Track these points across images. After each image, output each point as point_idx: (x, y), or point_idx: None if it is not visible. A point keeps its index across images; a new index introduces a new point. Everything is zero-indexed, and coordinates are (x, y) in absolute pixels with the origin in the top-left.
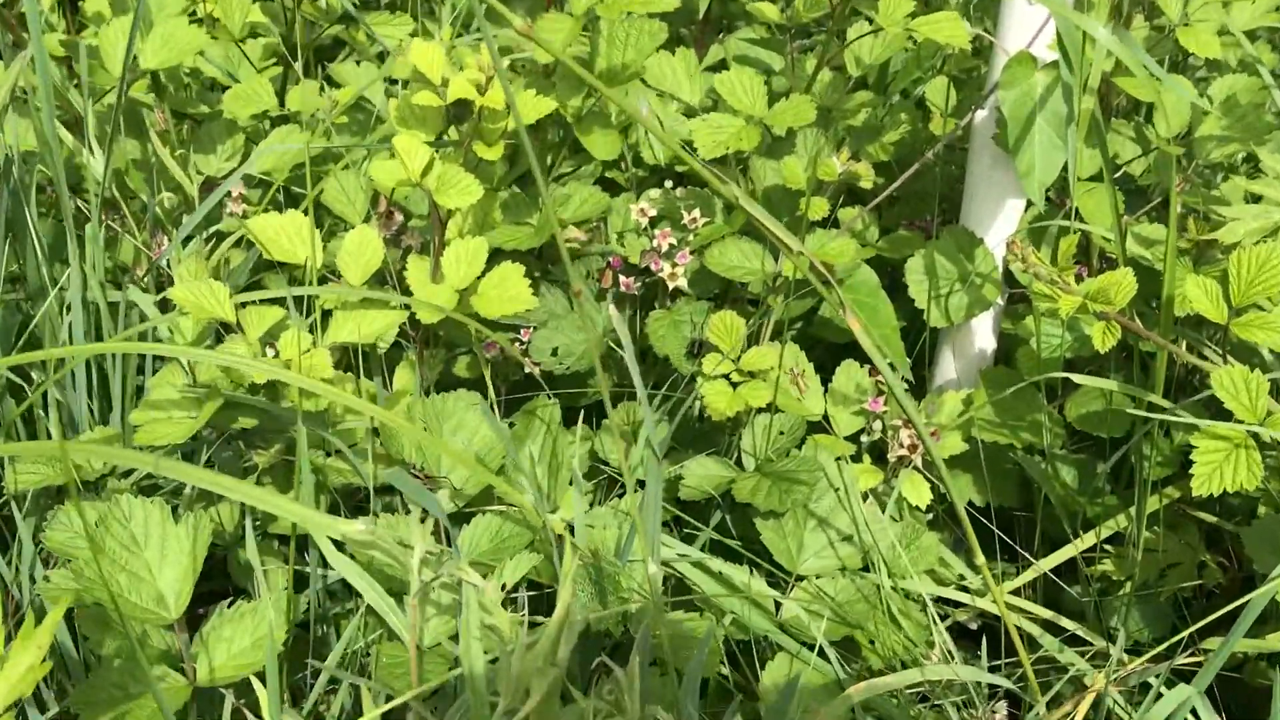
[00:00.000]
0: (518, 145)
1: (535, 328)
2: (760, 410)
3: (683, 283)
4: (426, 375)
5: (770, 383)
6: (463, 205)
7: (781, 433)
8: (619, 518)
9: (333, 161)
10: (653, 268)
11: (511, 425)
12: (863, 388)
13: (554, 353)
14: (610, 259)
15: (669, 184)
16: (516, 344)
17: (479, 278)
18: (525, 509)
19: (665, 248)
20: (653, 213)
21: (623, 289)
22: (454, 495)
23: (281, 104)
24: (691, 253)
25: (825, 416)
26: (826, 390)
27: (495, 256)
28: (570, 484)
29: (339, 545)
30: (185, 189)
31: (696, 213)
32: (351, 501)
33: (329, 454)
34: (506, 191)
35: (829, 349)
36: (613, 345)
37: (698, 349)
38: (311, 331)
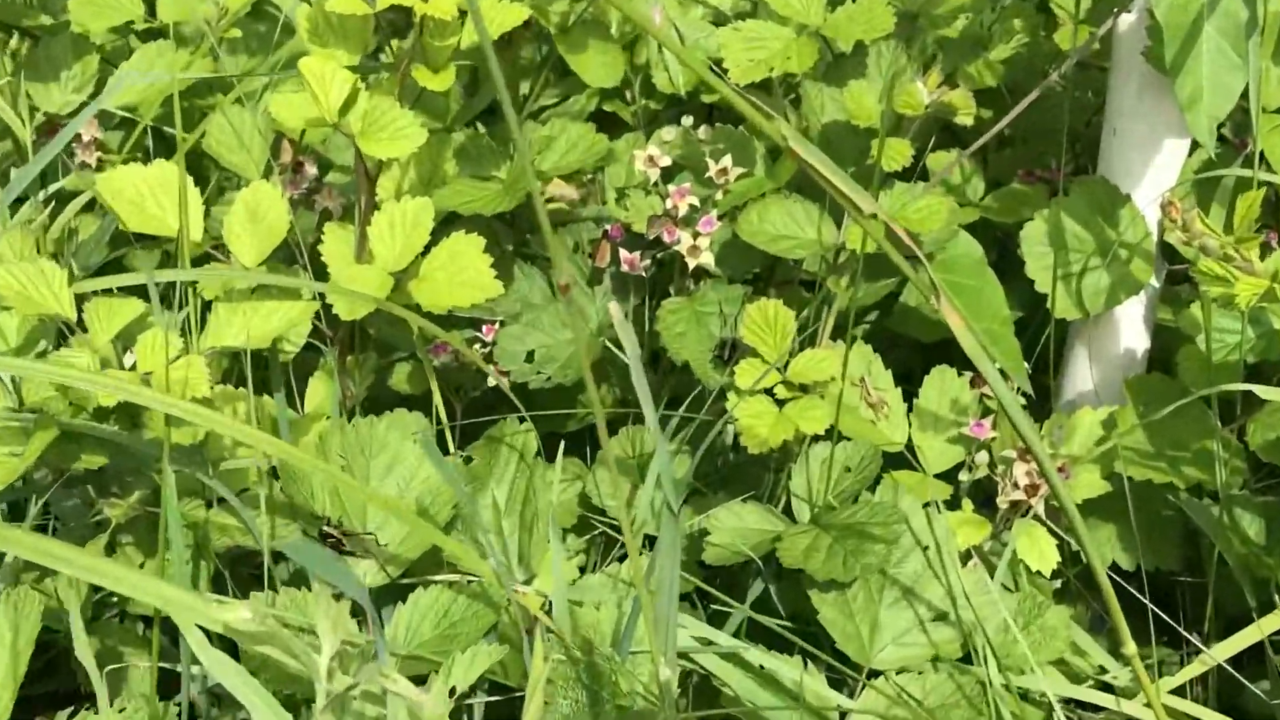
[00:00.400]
0: (479, 69)
1: (503, 323)
2: (817, 438)
3: (709, 259)
4: (351, 390)
5: (831, 399)
6: (398, 154)
7: (848, 469)
8: (619, 591)
9: (221, 93)
10: (666, 238)
11: (469, 460)
12: (961, 405)
13: (529, 357)
14: (608, 227)
15: (688, 121)
16: (477, 345)
17: (422, 254)
18: (486, 579)
19: (684, 211)
20: (666, 161)
21: (625, 268)
22: (386, 562)
23: (151, 13)
24: (720, 218)
25: (909, 446)
26: (911, 409)
27: (447, 224)
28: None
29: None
30: (15, 132)
31: (727, 161)
32: (243, 569)
33: (209, 504)
34: (463, 133)
35: (914, 351)
36: (611, 347)
37: (729, 352)
38: (185, 332)
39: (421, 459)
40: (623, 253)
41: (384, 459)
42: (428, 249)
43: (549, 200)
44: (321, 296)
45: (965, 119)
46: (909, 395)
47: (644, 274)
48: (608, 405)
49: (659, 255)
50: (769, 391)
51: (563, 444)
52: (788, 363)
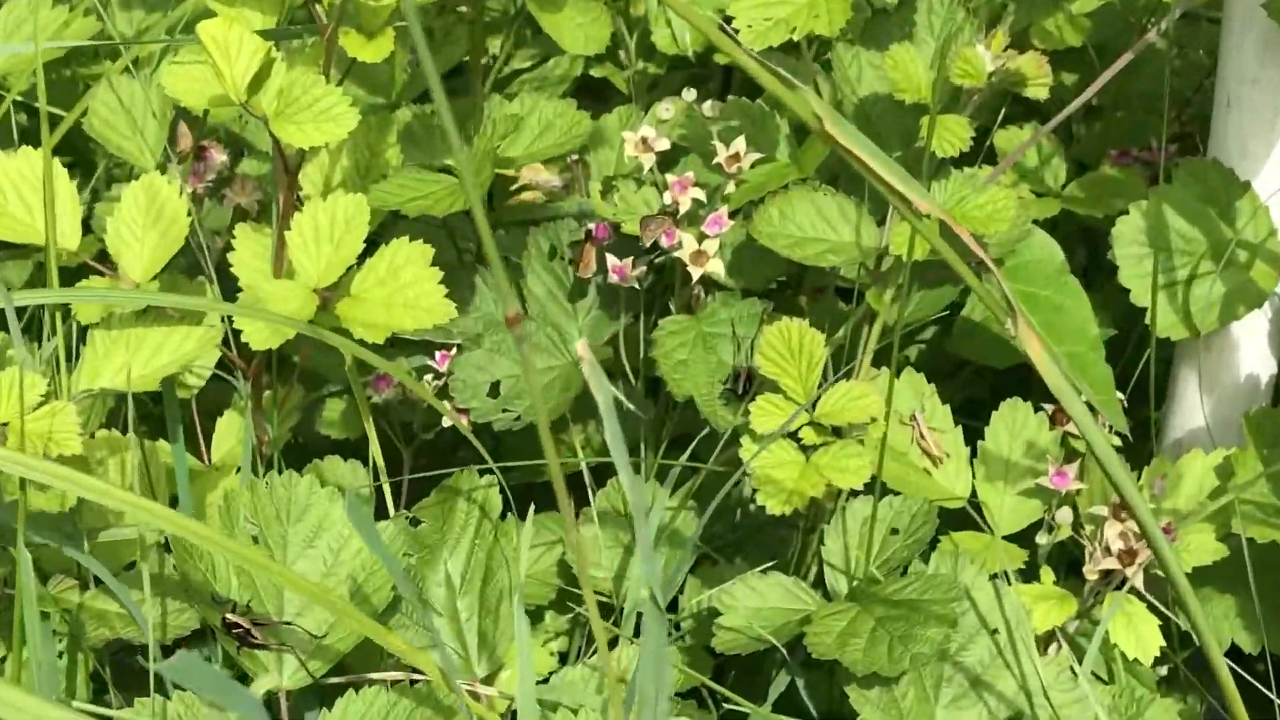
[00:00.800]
0: (432, 30)
1: (460, 348)
2: (856, 493)
3: (718, 267)
4: (269, 433)
5: (873, 444)
6: (324, 141)
7: (894, 531)
8: (607, 690)
9: (110, 59)
10: (664, 242)
11: (417, 522)
12: (1039, 448)
13: (493, 391)
14: (593, 226)
15: (691, 94)
16: (429, 377)
17: (356, 265)
18: (433, 677)
19: (687, 206)
20: (663, 144)
21: (614, 278)
22: (309, 656)
23: None
24: (733, 215)
25: (973, 500)
26: (975, 455)
27: (389, 227)
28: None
29: None
30: None
31: (741, 144)
32: (131, 662)
33: (85, 586)
34: (409, 111)
35: (978, 379)
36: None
37: (744, 383)
38: (54, 370)
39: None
40: (610, 259)
41: (307, 524)
42: (363, 259)
43: (522, 189)
44: (231, 319)
45: (1039, 90)
46: (972, 436)
47: (637, 285)
48: (596, 448)
49: (657, 261)
50: (794, 435)
51: (536, 499)
52: (817, 399)
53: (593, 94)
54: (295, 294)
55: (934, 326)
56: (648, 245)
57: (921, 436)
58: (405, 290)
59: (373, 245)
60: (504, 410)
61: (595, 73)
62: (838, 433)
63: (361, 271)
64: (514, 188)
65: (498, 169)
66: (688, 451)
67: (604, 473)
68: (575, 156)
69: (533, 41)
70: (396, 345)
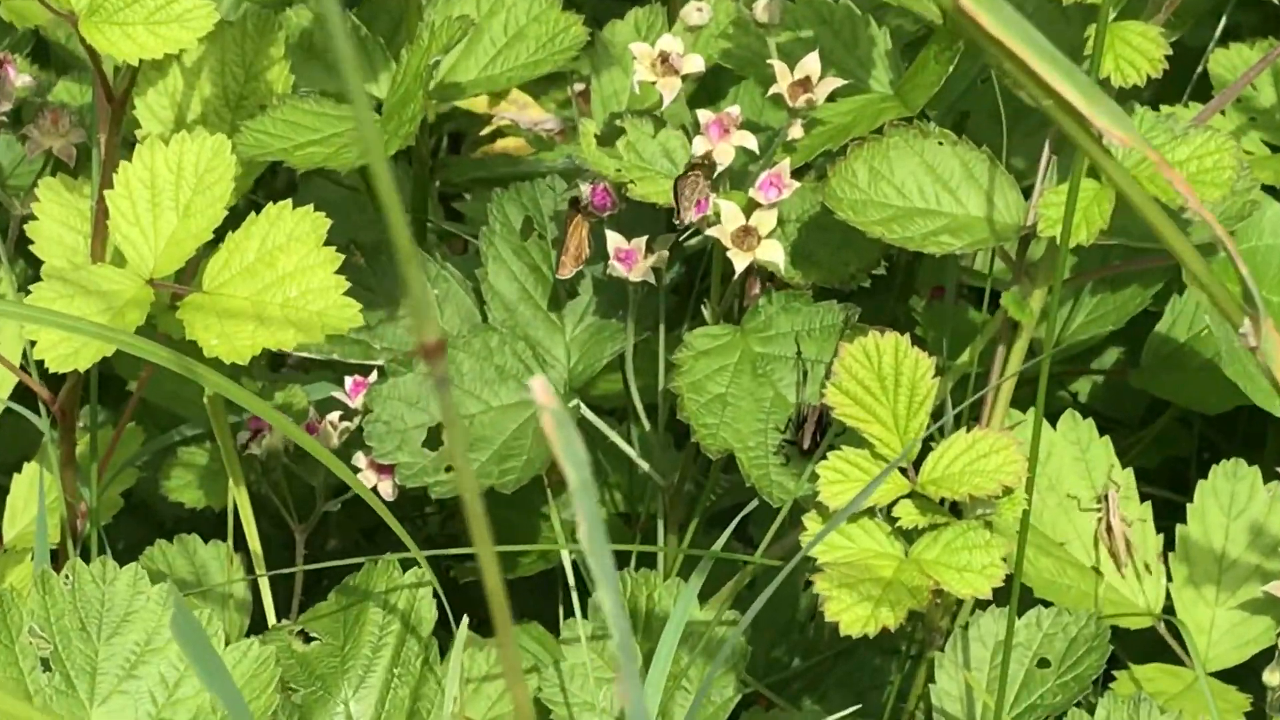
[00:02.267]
0: None
1: (383, 373)
2: (983, 603)
3: (775, 253)
4: (87, 500)
5: (1009, 526)
6: (161, 53)
7: (1044, 662)
8: None
9: None
10: (693, 214)
11: (309, 639)
12: (1271, 537)
13: (432, 440)
14: (587, 188)
15: None
16: (334, 417)
17: (213, 244)
18: None
19: (728, 158)
20: (694, 64)
21: (618, 269)
22: None
23: None
24: (799, 173)
25: (1168, 616)
26: (1173, 546)
27: (268, 182)
28: None
29: None
30: None
31: (813, 65)
32: None
33: None
34: (309, 9)
35: (1180, 430)
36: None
37: (812, 433)
38: None
39: (203, 640)
40: (613, 240)
41: (128, 641)
42: (221, 234)
43: (497, 134)
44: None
45: None
46: (1168, 513)
47: (654, 280)
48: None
49: (684, 242)
50: (885, 511)
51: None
52: (923, 457)
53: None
54: (121, 287)
55: (1114, 348)
56: (682, 222)
57: (1109, 529)
58: (286, 284)
59: (237, 213)
60: (447, 468)
61: None
62: (955, 510)
63: (219, 254)
64: (486, 130)
65: (443, 99)
66: (726, 533)
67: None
68: (580, 84)
69: None
70: (286, 366)
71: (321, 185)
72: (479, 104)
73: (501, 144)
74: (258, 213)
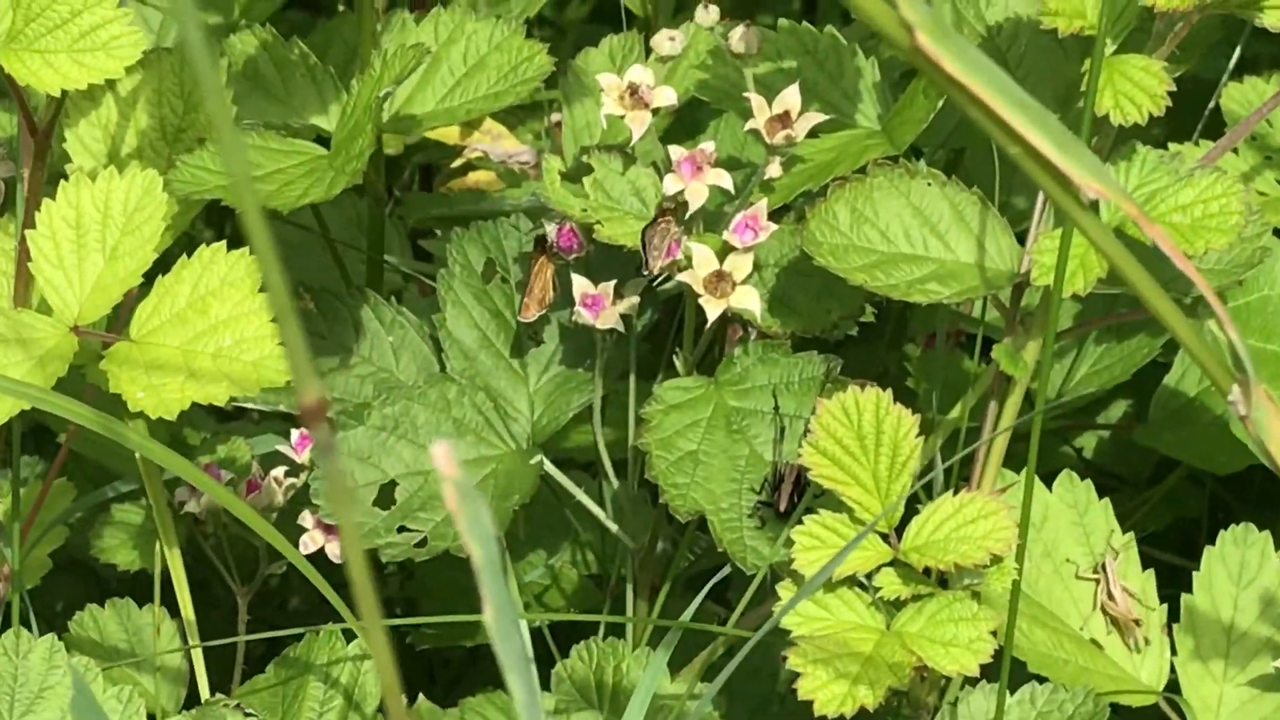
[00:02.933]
0: None
1: (336, 421)
2: (973, 679)
3: (751, 300)
4: (8, 563)
5: (999, 597)
6: (86, 83)
7: None
8: None
9: None
10: (661, 259)
11: (249, 715)
12: None
13: (384, 498)
14: (552, 229)
15: (710, 11)
16: (278, 473)
17: (143, 288)
18: None
19: (701, 197)
20: (664, 96)
21: (584, 316)
22: None
23: None
24: (777, 214)
25: (1171, 693)
26: (1177, 619)
27: (210, 222)
28: None
29: None
30: None
31: (793, 98)
32: None
33: None
34: (255, 36)
35: (1190, 489)
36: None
37: (789, 494)
38: None
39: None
40: (579, 284)
41: (40, 719)
42: (152, 277)
43: (466, 169)
44: None
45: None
46: (1173, 581)
47: (622, 327)
48: (566, 587)
49: (656, 285)
50: (864, 582)
51: (458, 675)
52: (905, 522)
53: (605, 18)
54: (43, 335)
55: (1122, 401)
56: (653, 270)
57: (1110, 597)
58: (218, 332)
59: (169, 256)
60: (400, 529)
61: None
62: (942, 580)
63: (148, 300)
64: (456, 163)
65: (398, 133)
66: (698, 600)
67: (578, 631)
68: (558, 115)
69: None
70: (222, 419)
71: (280, 225)
72: (450, 135)
73: (473, 177)
74: (190, 256)
